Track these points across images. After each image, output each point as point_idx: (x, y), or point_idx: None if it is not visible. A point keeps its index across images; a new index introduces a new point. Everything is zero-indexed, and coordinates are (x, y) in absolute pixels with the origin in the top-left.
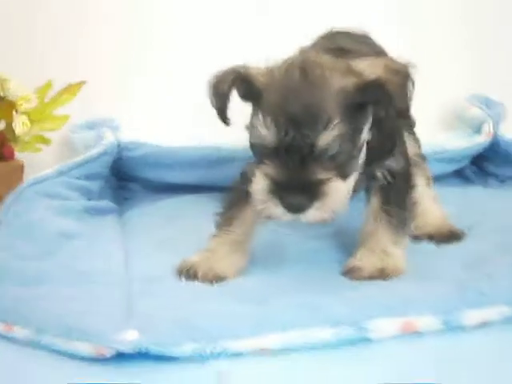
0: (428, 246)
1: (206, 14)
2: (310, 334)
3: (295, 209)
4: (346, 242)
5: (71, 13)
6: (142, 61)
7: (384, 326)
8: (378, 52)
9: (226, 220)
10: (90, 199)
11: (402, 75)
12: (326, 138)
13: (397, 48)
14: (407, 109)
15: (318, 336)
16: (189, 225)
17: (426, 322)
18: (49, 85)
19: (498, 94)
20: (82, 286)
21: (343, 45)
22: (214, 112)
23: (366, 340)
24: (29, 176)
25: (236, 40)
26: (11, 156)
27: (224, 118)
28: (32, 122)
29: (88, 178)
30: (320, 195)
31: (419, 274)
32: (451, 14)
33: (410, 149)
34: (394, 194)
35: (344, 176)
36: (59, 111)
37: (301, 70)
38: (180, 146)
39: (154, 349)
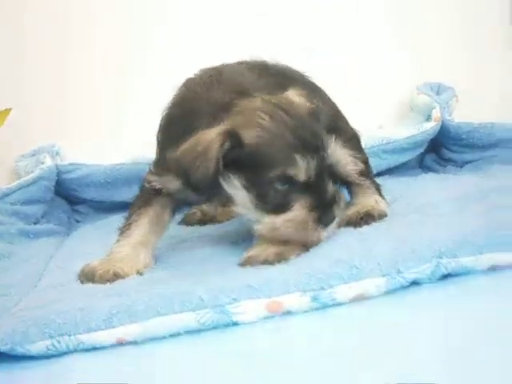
0: (344, 230)
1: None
2: (170, 322)
3: (330, 222)
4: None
5: None
6: (77, 82)
7: (248, 308)
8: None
9: (125, 226)
10: (31, 223)
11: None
12: (332, 154)
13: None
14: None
15: (179, 323)
16: None
17: (293, 300)
18: None
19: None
20: None
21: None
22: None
23: (234, 324)
24: None
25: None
26: None
27: (211, 184)
28: None
29: (25, 202)
30: (339, 203)
31: (309, 255)
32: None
33: (349, 167)
34: None
35: None
36: None
37: (284, 112)
38: (118, 163)
39: (4, 348)
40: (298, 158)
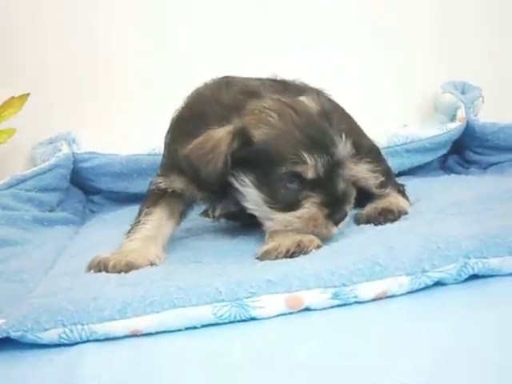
0: (365, 227)
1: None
2: (186, 314)
3: (342, 220)
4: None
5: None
6: (95, 71)
7: (267, 303)
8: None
9: (136, 224)
10: (45, 210)
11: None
12: (343, 151)
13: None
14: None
15: (195, 315)
16: None
17: (314, 295)
18: None
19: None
20: None
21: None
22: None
23: (252, 319)
24: None
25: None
26: None
27: (220, 182)
28: None
29: (40, 190)
30: (350, 202)
31: (329, 251)
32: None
33: (370, 182)
34: None
35: None
36: (6, 124)
37: (293, 111)
38: (134, 153)
39: (15, 334)
40: (305, 155)
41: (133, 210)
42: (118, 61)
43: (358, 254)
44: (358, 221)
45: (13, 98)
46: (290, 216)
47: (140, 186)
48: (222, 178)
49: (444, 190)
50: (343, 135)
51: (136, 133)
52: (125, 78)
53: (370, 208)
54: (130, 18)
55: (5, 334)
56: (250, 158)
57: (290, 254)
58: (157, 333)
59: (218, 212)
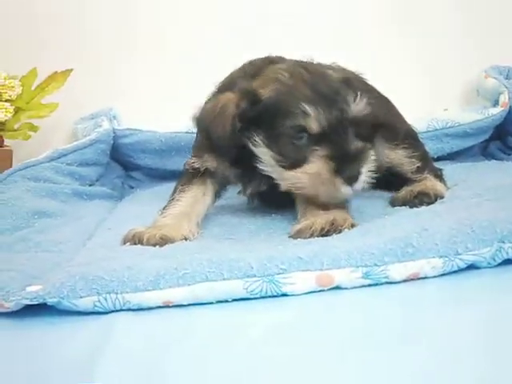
0: (400, 209)
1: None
2: (218, 287)
3: (354, 179)
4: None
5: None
6: (137, 48)
7: (298, 280)
8: None
9: (170, 200)
10: (85, 184)
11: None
12: (356, 109)
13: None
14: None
15: (227, 289)
16: None
17: (344, 274)
18: (33, 73)
19: None
20: (28, 253)
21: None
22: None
23: (282, 295)
24: (17, 162)
25: (233, 34)
26: (0, 143)
27: (230, 142)
28: (19, 109)
29: (81, 164)
30: (364, 162)
31: (361, 231)
32: None
33: (405, 167)
34: None
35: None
36: (50, 99)
37: (305, 69)
38: (172, 131)
39: (51, 300)
40: (306, 107)
41: (170, 186)
42: (159, 39)
43: (391, 234)
44: (393, 203)
45: (56, 72)
46: (297, 173)
47: (178, 163)
48: (232, 140)
49: (482, 176)
50: (359, 94)
51: (175, 110)
52: (166, 56)
53: (405, 191)
54: None
55: (41, 300)
56: (260, 116)
57: (324, 233)
58: (188, 305)
59: (248, 191)
